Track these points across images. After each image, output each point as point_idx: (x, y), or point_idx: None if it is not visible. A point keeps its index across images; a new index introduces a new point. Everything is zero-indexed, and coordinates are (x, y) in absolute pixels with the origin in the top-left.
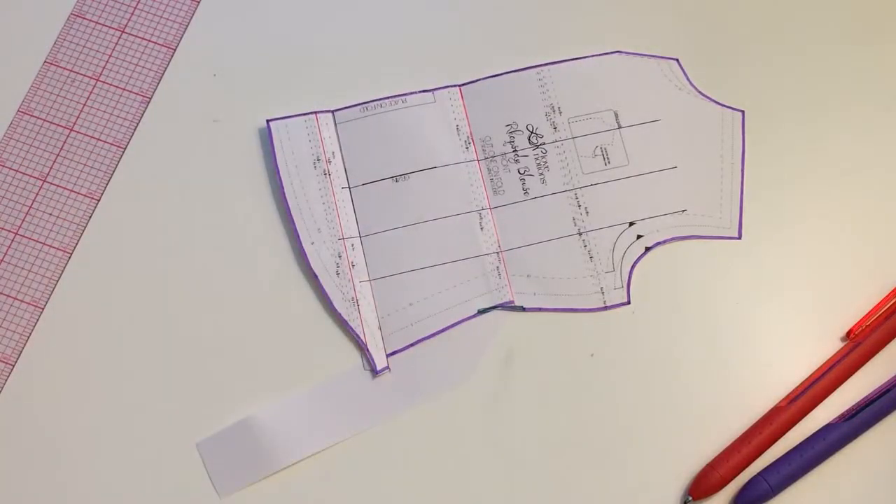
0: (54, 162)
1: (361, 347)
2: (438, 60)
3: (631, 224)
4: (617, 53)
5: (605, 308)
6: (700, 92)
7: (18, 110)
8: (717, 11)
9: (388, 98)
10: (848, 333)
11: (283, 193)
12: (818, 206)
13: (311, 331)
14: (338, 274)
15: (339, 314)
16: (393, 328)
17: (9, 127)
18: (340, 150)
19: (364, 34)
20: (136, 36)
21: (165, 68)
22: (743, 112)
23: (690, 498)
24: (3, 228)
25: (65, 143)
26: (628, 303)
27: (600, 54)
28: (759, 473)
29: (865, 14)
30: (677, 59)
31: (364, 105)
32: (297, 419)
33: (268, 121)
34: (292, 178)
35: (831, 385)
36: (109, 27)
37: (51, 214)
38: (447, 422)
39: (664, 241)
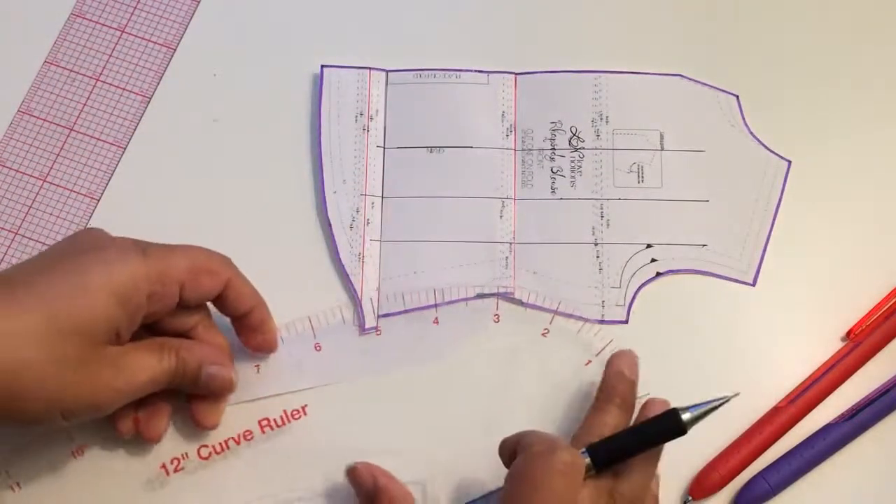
0: (54, 162)
1: (356, 303)
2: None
3: (648, 246)
4: (679, 77)
5: (602, 322)
6: (752, 133)
7: (18, 110)
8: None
9: (442, 70)
10: (848, 333)
11: (320, 139)
12: (819, 208)
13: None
14: (351, 227)
15: (343, 266)
16: (391, 291)
17: (9, 127)
18: (385, 109)
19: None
20: (136, 36)
21: (165, 68)
22: (790, 162)
23: (690, 498)
24: (2, 228)
25: (65, 142)
26: (626, 322)
27: (662, 74)
28: (759, 473)
29: None
30: (737, 96)
31: (418, 71)
32: (275, 357)
33: (322, 66)
34: (332, 126)
35: (831, 385)
36: (109, 27)
37: (51, 214)
38: (448, 420)
39: (677, 271)
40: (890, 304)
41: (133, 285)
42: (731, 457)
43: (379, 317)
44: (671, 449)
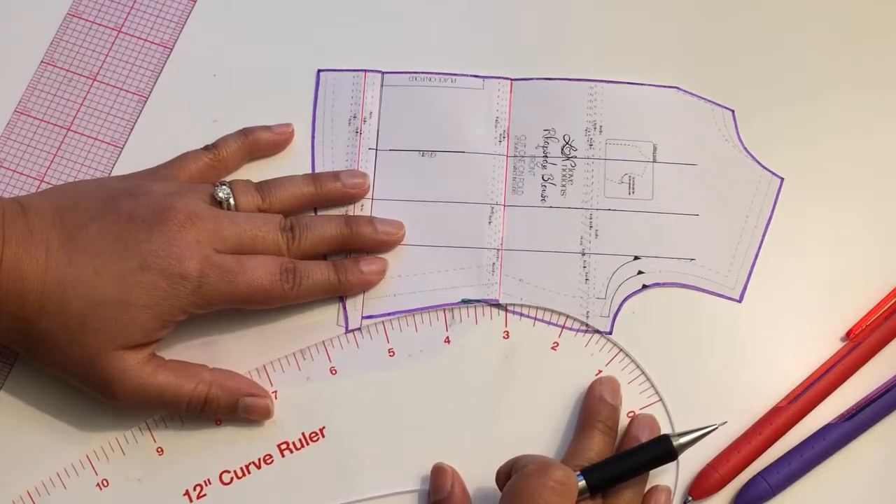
0: (52, 162)
1: (341, 303)
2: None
3: (636, 258)
4: (675, 89)
5: (586, 332)
6: (745, 148)
7: (15, 110)
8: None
9: (438, 73)
10: (848, 333)
11: (313, 143)
12: (818, 211)
13: None
14: None
15: None
16: (375, 294)
17: (6, 127)
18: (379, 111)
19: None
20: (132, 35)
21: (162, 68)
22: (782, 179)
23: (690, 498)
24: None
25: (62, 142)
26: (610, 333)
27: (659, 86)
28: (759, 473)
29: None
30: (733, 111)
31: (414, 74)
32: (258, 354)
33: (318, 70)
34: (325, 130)
35: (831, 385)
36: (106, 27)
37: None
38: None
39: (664, 284)
40: (890, 304)
41: (177, 313)
42: (731, 457)
43: (363, 318)
44: None
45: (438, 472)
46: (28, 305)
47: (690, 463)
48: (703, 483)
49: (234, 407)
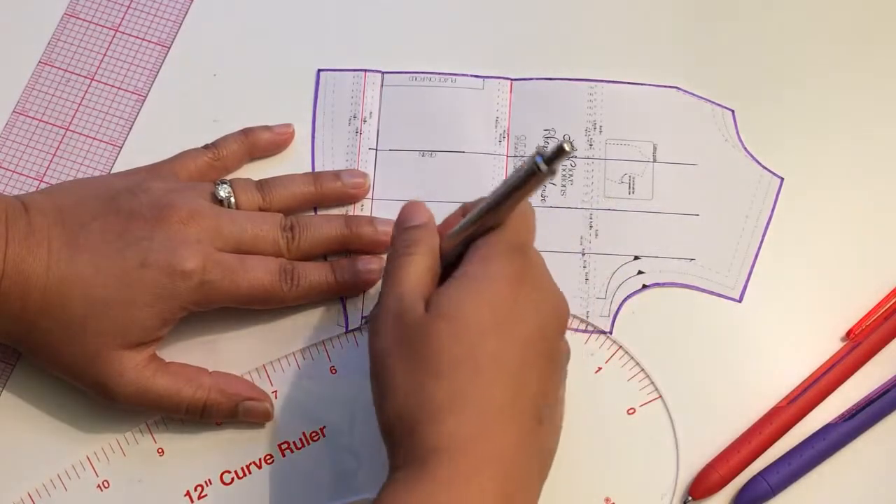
0: (50, 162)
1: (342, 304)
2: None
3: (636, 258)
4: (675, 89)
5: (585, 332)
6: (745, 148)
7: (14, 111)
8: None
9: (438, 73)
10: (848, 333)
11: (313, 143)
12: (818, 211)
13: None
14: None
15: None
16: (376, 293)
17: (4, 127)
18: (379, 111)
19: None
20: (129, 35)
21: (160, 67)
22: (782, 179)
23: (690, 498)
24: None
25: (61, 142)
26: (610, 333)
27: (659, 85)
28: (759, 473)
29: None
30: (733, 111)
31: (414, 74)
32: (258, 354)
33: (318, 70)
34: (325, 130)
35: (831, 385)
36: (103, 26)
37: None
38: None
39: (664, 284)
40: (890, 304)
41: (178, 310)
42: (731, 457)
43: (363, 318)
44: (670, 449)
45: (411, 204)
46: (30, 305)
47: (690, 463)
48: (703, 483)
49: (234, 411)
